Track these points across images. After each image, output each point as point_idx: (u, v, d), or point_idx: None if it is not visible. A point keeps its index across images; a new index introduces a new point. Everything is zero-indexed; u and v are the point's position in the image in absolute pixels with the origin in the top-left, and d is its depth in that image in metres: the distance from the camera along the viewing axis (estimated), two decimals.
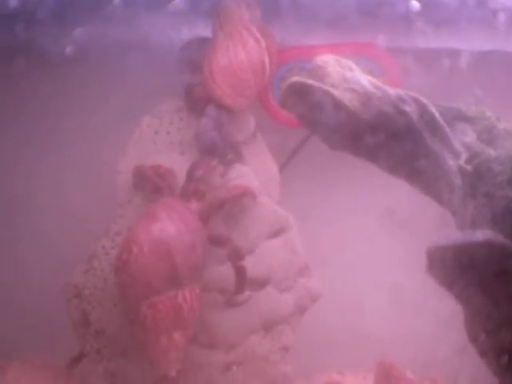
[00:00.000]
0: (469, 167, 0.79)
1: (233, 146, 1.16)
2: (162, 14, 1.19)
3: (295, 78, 0.86)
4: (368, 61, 1.20)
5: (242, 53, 1.13)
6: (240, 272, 1.09)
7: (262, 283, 1.14)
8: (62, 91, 1.25)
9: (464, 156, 0.81)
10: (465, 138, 0.84)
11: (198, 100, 1.15)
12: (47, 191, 1.27)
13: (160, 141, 1.19)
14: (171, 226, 1.04)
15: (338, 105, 0.84)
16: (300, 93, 0.85)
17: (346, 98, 0.85)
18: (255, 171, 1.18)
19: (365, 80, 0.87)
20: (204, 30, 1.19)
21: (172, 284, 1.01)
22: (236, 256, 1.08)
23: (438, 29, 1.15)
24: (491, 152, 0.78)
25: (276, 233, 1.17)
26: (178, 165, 1.15)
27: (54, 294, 1.15)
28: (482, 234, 0.67)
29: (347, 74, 0.88)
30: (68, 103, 1.27)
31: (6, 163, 1.28)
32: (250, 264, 1.11)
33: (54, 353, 1.19)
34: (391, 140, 0.85)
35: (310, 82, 0.86)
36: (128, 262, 1.02)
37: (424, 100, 0.85)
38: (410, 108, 0.85)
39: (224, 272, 1.12)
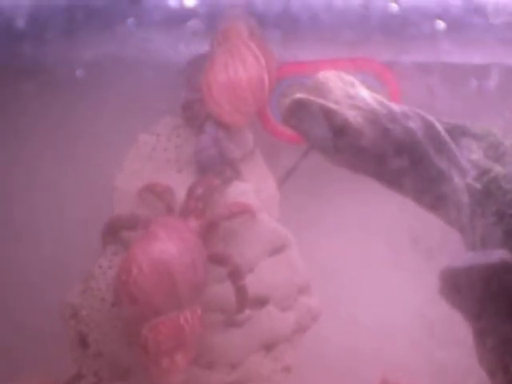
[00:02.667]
0: (478, 185, 0.78)
1: (231, 162, 1.14)
2: (161, 31, 1.18)
3: (298, 95, 0.85)
4: (367, 76, 1.20)
5: (240, 69, 1.12)
6: (241, 291, 1.07)
7: (262, 302, 1.13)
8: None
9: (471, 173, 0.80)
10: (471, 155, 0.83)
11: (196, 116, 1.14)
12: (47, 205, 1.25)
13: (157, 158, 1.18)
14: (171, 245, 1.03)
15: (342, 122, 0.83)
16: (303, 110, 0.84)
17: (350, 115, 0.84)
18: (254, 188, 1.17)
19: (369, 96, 0.86)
20: (201, 47, 1.18)
21: (173, 305, 1.00)
22: (237, 275, 1.07)
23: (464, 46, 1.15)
24: (500, 169, 0.77)
25: (276, 251, 1.15)
26: (175, 182, 1.14)
27: (51, 312, 1.13)
28: (497, 254, 0.66)
29: (350, 90, 0.87)
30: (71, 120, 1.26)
31: (13, 181, 1.26)
32: (250, 283, 1.09)
33: (49, 373, 1.17)
34: (396, 157, 0.84)
35: (313, 98, 0.85)
36: (127, 282, 1.00)
37: (429, 117, 0.84)
38: (415, 124, 0.84)
39: (224, 291, 1.10)
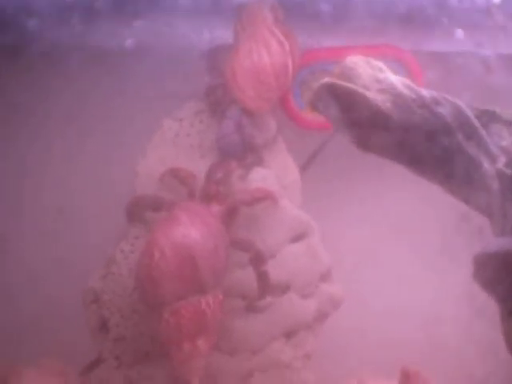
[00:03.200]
0: (508, 171, 0.77)
1: (254, 148, 1.14)
2: (184, 15, 1.17)
3: (327, 80, 0.84)
4: (391, 63, 1.19)
5: (264, 55, 1.11)
6: (262, 277, 1.07)
7: (283, 289, 1.13)
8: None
9: (502, 160, 0.79)
10: (501, 141, 0.82)
11: (219, 102, 1.14)
12: (59, 192, 1.25)
13: (180, 143, 1.17)
14: (193, 230, 1.02)
15: (372, 107, 0.82)
16: (332, 94, 0.84)
17: (379, 99, 0.83)
18: (276, 175, 1.16)
19: (397, 81, 0.86)
20: (226, 33, 1.18)
21: (195, 289, 0.99)
22: (259, 260, 1.07)
23: None
24: None
25: (298, 237, 1.15)
26: (198, 168, 1.13)
27: (67, 300, 1.13)
28: None
29: (379, 75, 0.87)
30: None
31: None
32: (272, 269, 1.09)
33: (69, 358, 1.17)
34: (425, 142, 0.83)
35: (342, 83, 0.84)
36: (150, 267, 1.00)
37: (458, 102, 0.84)
38: (444, 110, 0.83)
39: (245, 277, 1.10)
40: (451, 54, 1.21)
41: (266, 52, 1.12)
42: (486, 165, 0.80)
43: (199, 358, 1.01)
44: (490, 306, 0.73)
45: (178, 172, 1.11)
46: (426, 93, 0.84)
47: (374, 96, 0.83)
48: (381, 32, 1.21)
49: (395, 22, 1.22)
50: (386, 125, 0.82)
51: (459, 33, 1.20)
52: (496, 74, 1.12)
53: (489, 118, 0.84)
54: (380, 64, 0.89)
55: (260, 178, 1.14)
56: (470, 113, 0.83)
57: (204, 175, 1.11)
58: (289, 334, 1.13)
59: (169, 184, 1.14)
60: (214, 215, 1.06)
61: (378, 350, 1.19)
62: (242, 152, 1.13)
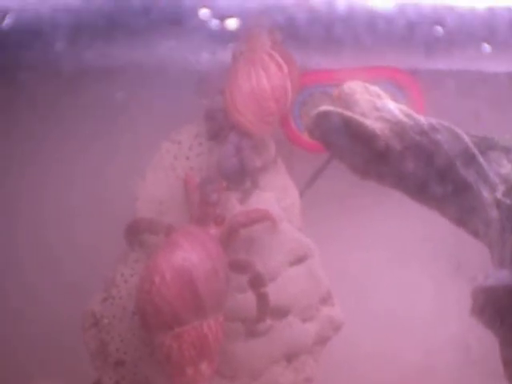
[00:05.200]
0: (507, 200, 0.77)
1: (251, 172, 1.13)
2: (182, 37, 1.17)
3: (324, 107, 0.84)
4: (389, 84, 1.19)
5: (263, 79, 1.11)
6: (262, 299, 1.07)
7: (283, 312, 1.12)
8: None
9: (501, 188, 0.79)
10: (500, 169, 0.82)
11: (219, 126, 1.13)
12: (58, 215, 1.25)
13: (179, 166, 1.17)
14: (193, 254, 1.02)
15: (370, 135, 0.82)
16: (329, 122, 0.83)
17: (378, 127, 0.83)
18: (276, 197, 1.16)
19: (395, 108, 0.85)
20: (224, 55, 1.18)
21: (197, 313, 0.99)
22: (258, 281, 1.06)
23: None
24: None
25: (298, 260, 1.14)
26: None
27: (67, 323, 1.13)
28: None
29: (377, 102, 0.86)
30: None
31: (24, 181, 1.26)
32: (272, 292, 1.09)
33: (67, 382, 1.17)
34: (424, 170, 0.83)
35: (340, 110, 0.84)
36: (150, 292, 1.00)
37: (457, 129, 0.84)
38: (442, 137, 0.83)
39: (245, 301, 1.09)
40: (452, 72, 1.21)
41: (265, 75, 1.12)
42: (485, 193, 0.80)
43: (203, 382, 1.00)
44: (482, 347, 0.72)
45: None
46: (423, 120, 0.84)
47: (372, 124, 0.83)
48: (380, 53, 1.21)
49: (394, 43, 1.22)
50: (383, 153, 0.82)
51: (460, 51, 1.20)
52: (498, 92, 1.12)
53: (487, 144, 0.83)
54: (378, 90, 0.89)
55: (260, 201, 1.14)
56: (468, 140, 0.83)
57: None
58: (289, 358, 1.13)
59: (168, 205, 1.14)
60: (212, 238, 1.06)
61: (379, 375, 1.18)
62: (243, 176, 1.13)
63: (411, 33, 1.19)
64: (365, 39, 1.20)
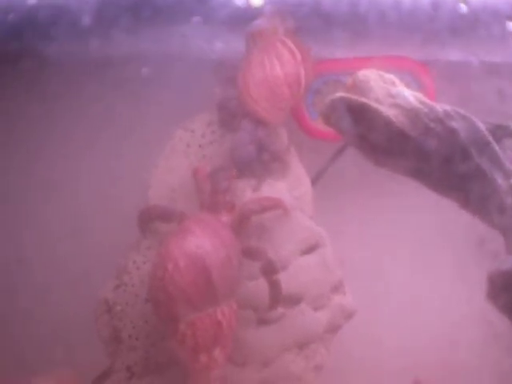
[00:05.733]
0: None
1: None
2: (195, 26, 1.18)
3: (339, 94, 0.84)
4: (403, 74, 1.18)
5: (277, 66, 1.11)
6: (274, 286, 1.07)
7: (295, 300, 1.12)
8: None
9: None
10: None
11: (233, 114, 1.14)
12: (70, 203, 1.25)
13: (192, 154, 1.17)
14: (206, 240, 1.02)
15: (385, 121, 0.82)
16: (344, 108, 0.83)
17: (392, 113, 0.83)
18: (288, 186, 1.16)
19: (410, 95, 0.85)
20: (237, 43, 1.18)
21: (210, 300, 0.99)
22: (270, 269, 1.06)
23: None
24: None
25: (310, 249, 1.15)
26: None
27: (78, 309, 1.14)
28: None
29: (391, 89, 0.86)
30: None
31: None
32: (284, 281, 1.09)
33: (78, 369, 1.18)
34: (438, 157, 0.83)
35: (355, 97, 0.84)
36: (164, 279, 1.00)
37: (472, 116, 0.83)
38: (457, 124, 0.83)
39: (257, 289, 1.10)
40: (465, 63, 1.20)
41: (278, 63, 1.12)
42: (500, 180, 0.80)
43: (217, 369, 1.01)
44: (503, 324, 0.72)
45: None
46: (438, 107, 0.84)
47: (387, 110, 0.83)
48: (394, 43, 1.21)
49: (409, 33, 1.22)
50: (398, 140, 0.82)
51: (473, 43, 1.19)
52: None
53: (502, 132, 0.83)
54: (392, 77, 0.89)
55: (272, 189, 1.14)
56: (483, 127, 0.83)
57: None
58: (300, 346, 1.13)
59: (181, 193, 1.14)
60: (224, 225, 1.06)
61: (388, 363, 1.18)
62: (256, 163, 1.13)
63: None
64: (379, 29, 1.20)
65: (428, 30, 1.15)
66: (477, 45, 1.16)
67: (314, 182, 1.22)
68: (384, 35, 1.19)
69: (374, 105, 0.82)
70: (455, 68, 1.16)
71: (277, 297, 1.07)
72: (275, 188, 1.14)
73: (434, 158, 0.80)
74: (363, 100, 0.82)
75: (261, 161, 1.14)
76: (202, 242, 1.02)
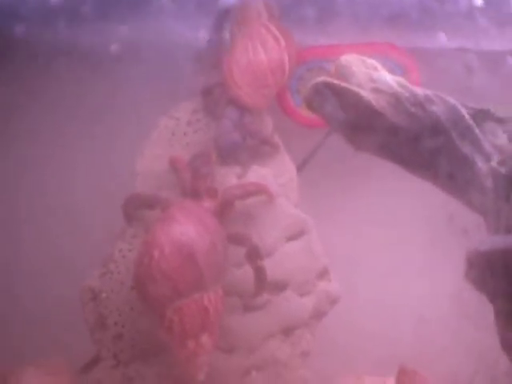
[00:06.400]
0: (502, 169, 0.77)
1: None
2: (179, 13, 1.17)
3: (322, 78, 0.84)
4: (387, 60, 1.19)
5: (261, 52, 1.12)
6: (259, 272, 1.07)
7: (281, 287, 1.13)
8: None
9: (496, 158, 0.79)
10: (496, 139, 0.82)
11: (216, 102, 1.14)
12: (57, 192, 1.25)
13: (177, 142, 1.18)
14: (190, 227, 1.02)
15: (366, 105, 0.82)
16: (326, 93, 0.84)
17: (373, 98, 0.83)
18: (273, 173, 1.17)
19: (391, 80, 0.86)
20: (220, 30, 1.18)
21: (197, 287, 1.00)
22: (255, 255, 1.07)
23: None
24: None
25: (295, 236, 1.15)
26: None
27: (67, 298, 1.14)
28: None
29: (373, 73, 0.86)
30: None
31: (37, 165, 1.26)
32: (269, 267, 1.09)
33: (67, 357, 1.18)
34: (419, 142, 0.83)
35: (336, 81, 0.84)
36: (150, 266, 1.00)
37: (452, 100, 0.84)
38: (437, 108, 0.83)
39: (242, 276, 1.10)
40: (446, 51, 1.21)
41: (262, 48, 1.12)
42: (480, 163, 0.80)
43: (204, 355, 1.01)
44: (477, 303, 0.73)
45: (177, 163, 1.11)
46: (419, 91, 0.84)
47: (368, 94, 0.83)
48: (377, 30, 1.21)
49: (391, 20, 1.22)
50: (379, 123, 0.82)
51: (454, 30, 1.20)
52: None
53: (483, 116, 0.84)
54: (374, 62, 0.89)
55: (257, 176, 1.15)
56: (464, 111, 0.83)
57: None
58: (286, 332, 1.13)
59: (166, 180, 1.14)
60: (208, 211, 1.06)
61: (373, 347, 1.19)
62: (241, 150, 1.14)
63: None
64: (362, 15, 1.20)
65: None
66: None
67: (300, 168, 1.22)
68: (366, 22, 1.20)
69: (355, 88, 0.83)
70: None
71: (262, 283, 1.08)
72: (260, 175, 1.14)
73: (412, 142, 0.80)
74: (344, 84, 0.83)
75: (245, 148, 1.14)
76: (187, 228, 1.02)
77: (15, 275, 1.25)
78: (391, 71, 1.09)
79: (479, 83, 1.11)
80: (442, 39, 1.22)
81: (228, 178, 1.13)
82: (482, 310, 0.71)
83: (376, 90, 0.84)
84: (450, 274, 0.88)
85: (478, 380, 1.04)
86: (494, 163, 0.78)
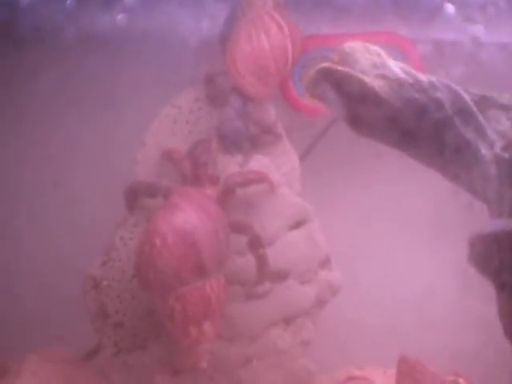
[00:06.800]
0: (505, 155, 0.77)
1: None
2: (182, 1, 1.17)
3: (325, 64, 0.84)
4: (391, 49, 1.18)
5: (264, 40, 1.11)
6: (261, 260, 1.07)
7: (282, 275, 1.12)
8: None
9: (499, 144, 0.79)
10: (499, 126, 0.81)
11: (219, 90, 1.13)
12: (59, 178, 1.25)
13: (179, 131, 1.17)
14: (193, 215, 1.02)
15: (369, 91, 0.82)
16: (330, 79, 0.83)
17: (377, 84, 0.83)
18: (276, 162, 1.16)
19: (395, 66, 0.85)
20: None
21: (199, 274, 0.99)
22: (257, 243, 1.06)
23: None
24: None
25: (297, 224, 1.15)
26: None
27: (67, 298, 1.14)
28: None
29: (376, 60, 0.86)
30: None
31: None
32: (271, 256, 1.09)
33: (70, 346, 1.18)
34: (422, 127, 0.83)
35: (341, 68, 0.84)
36: (152, 254, 0.99)
37: (456, 87, 0.83)
38: (442, 95, 0.83)
39: (244, 264, 1.10)
40: (451, 41, 1.20)
41: (266, 36, 1.11)
42: (484, 150, 0.80)
43: (206, 342, 1.01)
44: (480, 283, 0.73)
45: (173, 154, 1.11)
46: (423, 78, 0.84)
47: (372, 81, 0.83)
48: (381, 19, 1.21)
49: (396, 10, 1.22)
50: (383, 110, 0.82)
51: (459, 20, 1.19)
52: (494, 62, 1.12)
53: (486, 103, 0.83)
54: (378, 49, 0.89)
55: (259, 165, 1.14)
56: (467, 98, 0.83)
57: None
58: (287, 321, 1.13)
59: (168, 168, 1.14)
60: (210, 198, 1.06)
61: (374, 337, 1.18)
62: (243, 139, 1.13)
63: None
64: (367, 4, 1.19)
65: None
66: None
67: (303, 158, 1.22)
68: (371, 11, 1.19)
69: (358, 74, 0.82)
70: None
71: (264, 271, 1.07)
72: (262, 163, 1.14)
73: (416, 128, 0.80)
74: (347, 70, 0.82)
75: (248, 136, 1.14)
76: (189, 216, 1.02)
77: (16, 264, 1.25)
78: (394, 59, 1.09)
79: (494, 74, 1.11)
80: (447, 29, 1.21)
81: (230, 166, 1.13)
82: (488, 289, 0.71)
83: (380, 77, 0.84)
84: (453, 263, 0.88)
85: (485, 354, 1.04)
86: (497, 149, 0.77)
